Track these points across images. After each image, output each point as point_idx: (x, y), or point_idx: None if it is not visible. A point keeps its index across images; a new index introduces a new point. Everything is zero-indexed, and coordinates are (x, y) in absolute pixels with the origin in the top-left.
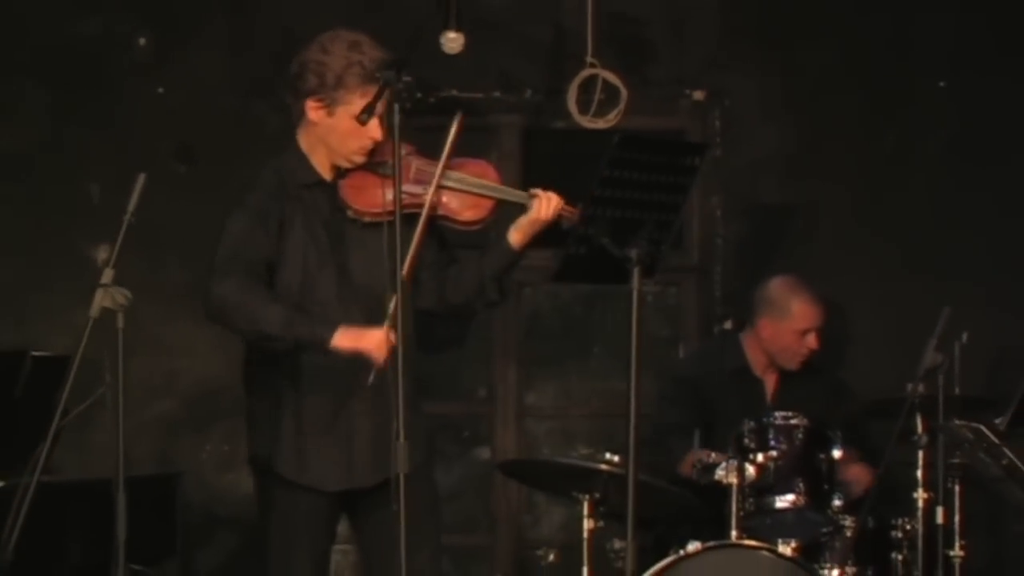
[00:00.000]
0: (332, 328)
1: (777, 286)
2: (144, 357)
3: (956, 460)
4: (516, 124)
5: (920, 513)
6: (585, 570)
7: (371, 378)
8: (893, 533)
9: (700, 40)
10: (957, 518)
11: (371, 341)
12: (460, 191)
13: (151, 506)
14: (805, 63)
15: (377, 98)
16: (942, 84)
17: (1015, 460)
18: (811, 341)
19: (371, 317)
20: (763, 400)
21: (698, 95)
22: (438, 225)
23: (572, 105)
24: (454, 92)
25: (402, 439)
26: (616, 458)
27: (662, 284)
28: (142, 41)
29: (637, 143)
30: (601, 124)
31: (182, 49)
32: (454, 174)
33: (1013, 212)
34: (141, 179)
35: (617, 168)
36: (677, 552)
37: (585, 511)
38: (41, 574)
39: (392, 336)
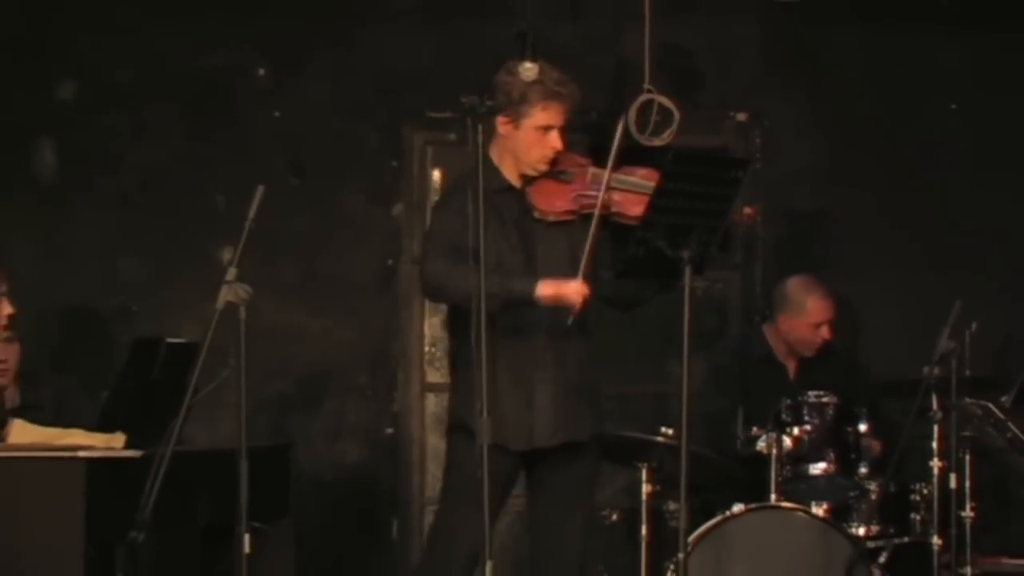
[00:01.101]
0: (535, 281)
1: (793, 285)
2: (262, 344)
3: (967, 433)
4: (583, 142)
5: (935, 479)
6: (644, 528)
7: (570, 320)
8: (912, 496)
9: (743, 69)
10: (968, 484)
11: (570, 288)
12: (628, 191)
13: (268, 472)
14: (833, 88)
15: (463, 119)
16: (953, 106)
17: (1019, 434)
18: (824, 332)
19: (555, 302)
20: (787, 381)
21: (741, 116)
22: (614, 222)
23: (632, 125)
24: None
25: (484, 415)
26: (670, 431)
27: (710, 281)
28: (261, 72)
29: (689, 159)
30: (657, 142)
31: (295, 78)
32: (623, 177)
33: (1017, 217)
34: (260, 190)
35: (671, 180)
36: (724, 513)
37: (644, 477)
38: (175, 531)
39: (586, 286)
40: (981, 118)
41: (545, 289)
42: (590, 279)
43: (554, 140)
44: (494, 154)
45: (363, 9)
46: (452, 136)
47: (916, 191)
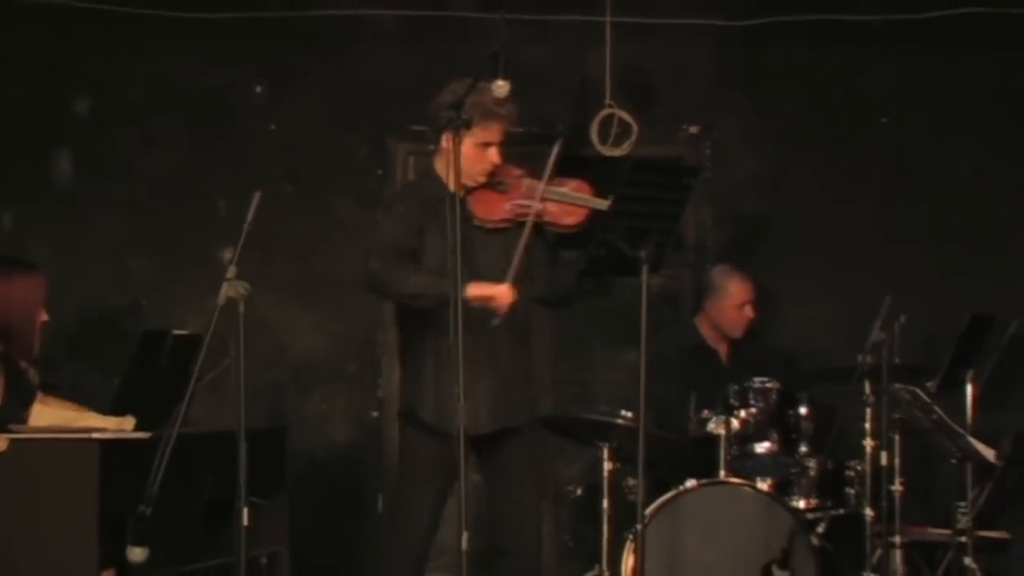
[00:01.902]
0: (465, 284)
1: (716, 274)
2: (259, 335)
3: (896, 416)
4: (550, 153)
5: (868, 457)
6: (605, 501)
7: (495, 321)
8: (847, 472)
9: (694, 86)
10: (897, 461)
11: (497, 291)
12: (560, 202)
13: (265, 452)
14: (777, 104)
15: (442, 132)
16: (884, 120)
17: (943, 415)
18: (748, 311)
19: (482, 303)
20: (720, 366)
21: (693, 129)
22: (546, 230)
23: (594, 137)
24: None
25: (461, 400)
26: (629, 414)
27: (665, 277)
28: (258, 89)
29: (646, 167)
30: (617, 152)
31: (289, 94)
32: (556, 189)
33: (940, 221)
34: (257, 196)
35: (630, 187)
36: (678, 488)
37: (605, 455)
38: (180, 505)
39: (513, 292)
40: (909, 131)
41: (473, 291)
42: (523, 281)
43: (493, 155)
44: (439, 166)
45: (351, 32)
46: (431, 147)
47: (851, 197)
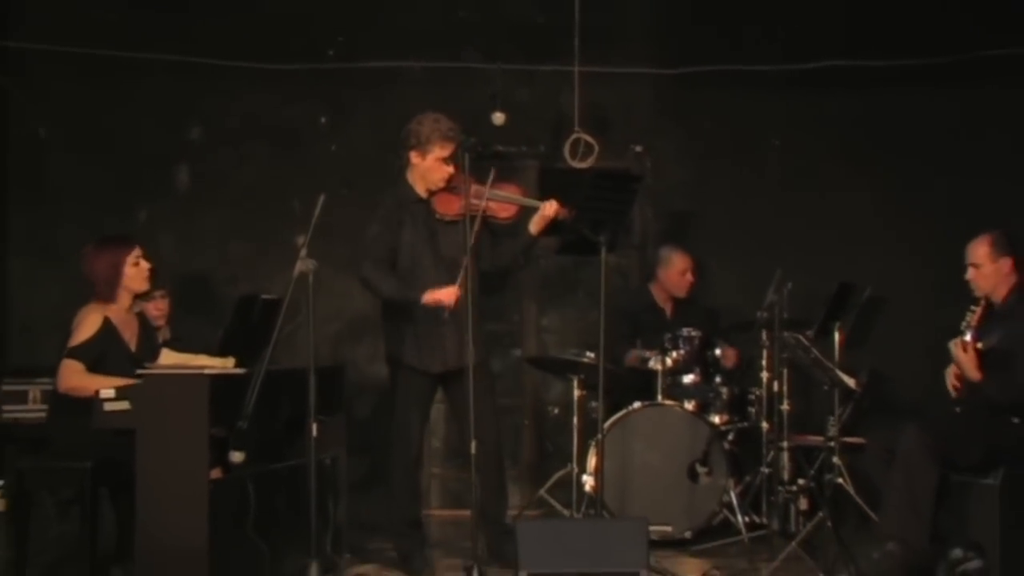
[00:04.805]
0: (421, 292)
1: (664, 250)
2: (323, 299)
3: (785, 355)
4: (534, 166)
5: (765, 385)
6: (575, 419)
7: (445, 315)
8: (749, 396)
9: (639, 117)
10: (785, 388)
11: (443, 295)
12: (501, 201)
13: (328, 383)
14: (700, 130)
15: (456, 151)
16: (776, 143)
17: (818, 355)
18: (688, 276)
19: (452, 276)
20: (666, 320)
21: (638, 148)
22: (489, 221)
23: (567, 154)
24: (499, 147)
25: (471, 345)
26: (592, 355)
27: (618, 256)
28: (323, 119)
29: (604, 176)
30: (583, 165)
31: (345, 123)
32: (497, 192)
33: (816, 215)
34: (322, 198)
35: (593, 190)
36: (627, 408)
37: (575, 385)
38: (267, 423)
39: (459, 290)
40: (793, 150)
41: (426, 298)
42: (474, 256)
43: (449, 167)
44: (409, 177)
45: (390, 78)
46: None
47: (753, 198)
